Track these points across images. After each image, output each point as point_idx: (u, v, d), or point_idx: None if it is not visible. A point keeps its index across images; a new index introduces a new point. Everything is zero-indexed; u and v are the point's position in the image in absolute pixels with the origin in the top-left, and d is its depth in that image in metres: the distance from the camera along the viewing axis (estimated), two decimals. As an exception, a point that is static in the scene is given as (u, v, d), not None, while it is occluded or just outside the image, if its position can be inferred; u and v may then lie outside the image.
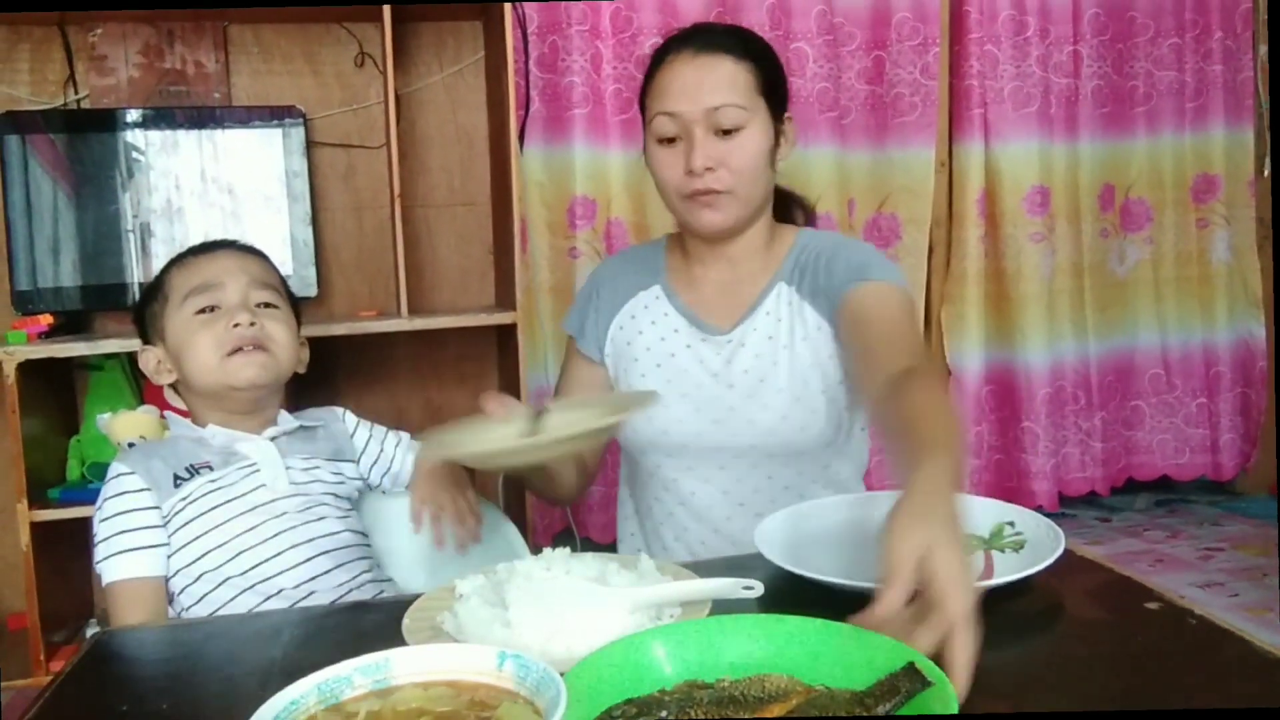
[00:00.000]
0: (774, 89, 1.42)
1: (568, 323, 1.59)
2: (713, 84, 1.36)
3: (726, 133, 1.36)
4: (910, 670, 0.74)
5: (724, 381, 1.44)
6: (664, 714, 0.77)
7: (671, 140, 1.38)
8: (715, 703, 0.77)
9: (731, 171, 1.37)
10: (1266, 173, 3.45)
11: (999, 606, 0.98)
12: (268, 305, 1.38)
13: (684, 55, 1.38)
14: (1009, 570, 1.01)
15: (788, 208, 1.57)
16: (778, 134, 1.43)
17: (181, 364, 1.34)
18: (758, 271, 1.48)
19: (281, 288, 1.43)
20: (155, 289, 1.39)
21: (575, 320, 1.57)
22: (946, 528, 0.82)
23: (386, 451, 1.47)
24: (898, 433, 1.05)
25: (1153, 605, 0.97)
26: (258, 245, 1.47)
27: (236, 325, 1.32)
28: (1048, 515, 1.32)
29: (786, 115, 1.45)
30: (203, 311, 1.33)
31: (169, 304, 1.35)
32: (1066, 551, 1.02)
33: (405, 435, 1.51)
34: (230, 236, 1.51)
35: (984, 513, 1.18)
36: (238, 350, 1.32)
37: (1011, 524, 1.14)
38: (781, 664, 0.82)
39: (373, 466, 1.46)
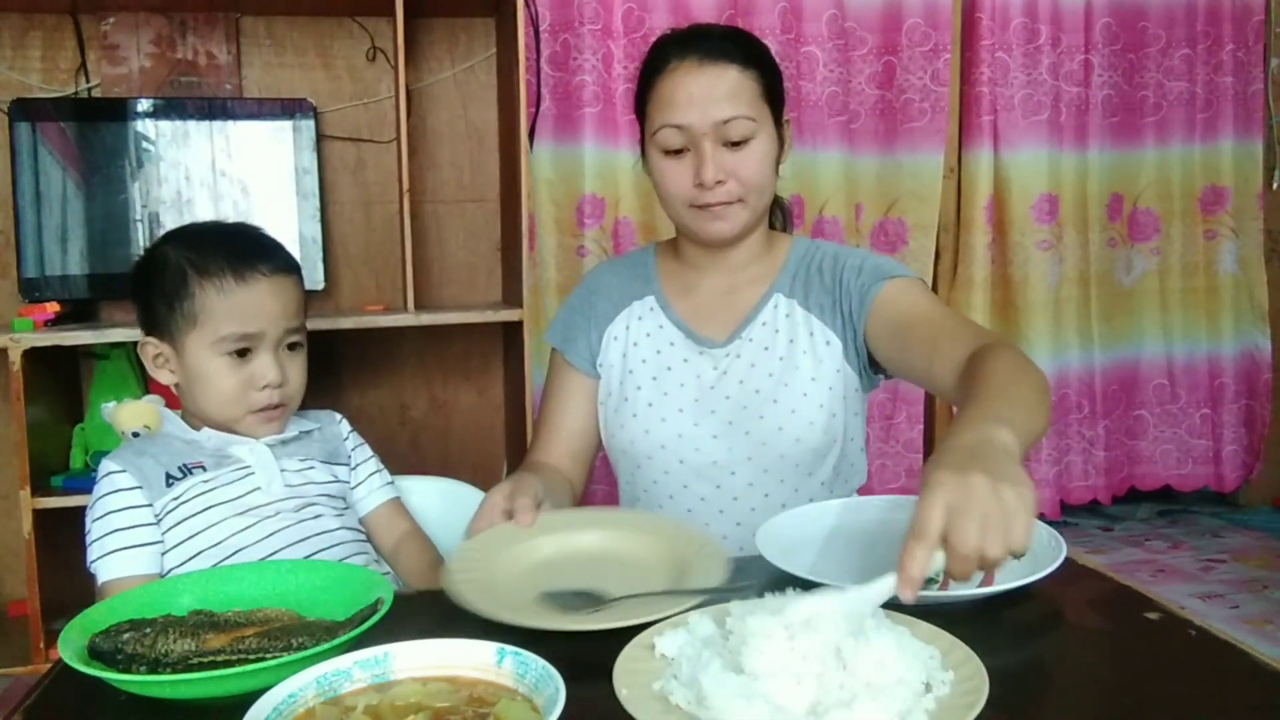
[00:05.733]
0: (775, 93, 1.40)
1: (552, 334, 1.55)
2: (721, 96, 1.32)
3: (735, 144, 1.34)
4: (376, 603, 0.90)
5: (720, 394, 1.41)
6: (147, 630, 0.88)
7: (678, 152, 1.35)
8: (196, 625, 0.90)
9: (741, 182, 1.35)
10: (1275, 185, 3.45)
11: (999, 614, 0.98)
12: (294, 345, 1.34)
13: (688, 64, 1.34)
14: (1010, 578, 1.01)
15: (770, 209, 1.55)
16: (780, 138, 1.41)
17: (193, 390, 1.30)
18: (753, 281, 1.46)
19: (304, 306, 1.37)
20: (178, 294, 1.28)
21: (561, 331, 1.54)
22: (964, 475, 0.82)
23: (359, 475, 1.43)
24: (963, 401, 1.05)
25: (1153, 615, 0.97)
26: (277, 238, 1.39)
27: (266, 387, 1.29)
28: (1050, 523, 1.32)
29: (786, 117, 1.43)
30: (232, 353, 1.28)
31: (196, 328, 1.28)
32: (1067, 560, 1.02)
33: (385, 472, 1.46)
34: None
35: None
36: (262, 409, 1.31)
37: (1013, 531, 1.14)
38: (287, 601, 0.99)
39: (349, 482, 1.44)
